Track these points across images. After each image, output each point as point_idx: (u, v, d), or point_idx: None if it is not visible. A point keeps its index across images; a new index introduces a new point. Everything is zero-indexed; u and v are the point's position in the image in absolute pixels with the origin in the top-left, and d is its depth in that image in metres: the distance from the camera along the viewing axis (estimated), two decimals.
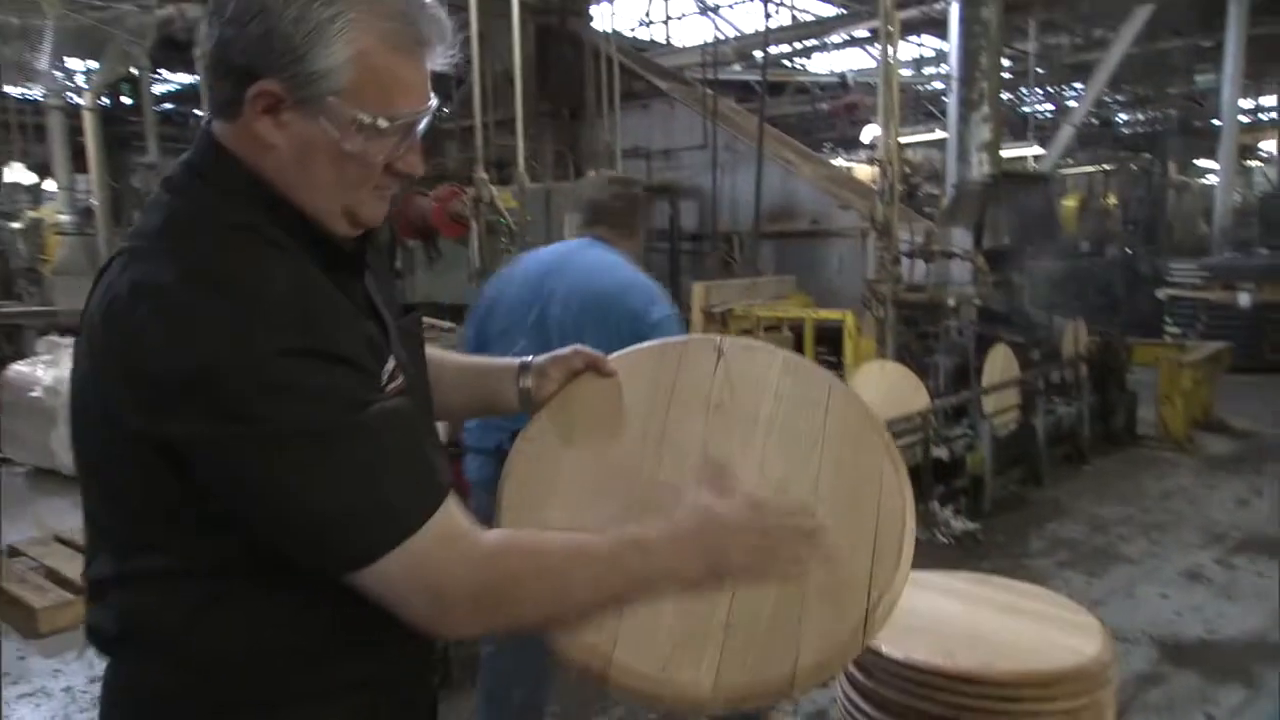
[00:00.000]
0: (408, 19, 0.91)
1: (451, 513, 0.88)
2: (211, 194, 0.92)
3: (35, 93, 12.17)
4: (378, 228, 1.10)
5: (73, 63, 10.20)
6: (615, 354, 1.21)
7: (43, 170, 12.71)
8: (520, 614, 0.90)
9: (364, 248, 1.03)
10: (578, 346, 1.21)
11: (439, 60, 0.95)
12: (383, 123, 0.90)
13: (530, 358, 1.24)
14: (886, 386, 4.78)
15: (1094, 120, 13.46)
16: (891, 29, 5.45)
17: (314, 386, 0.83)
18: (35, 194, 13.35)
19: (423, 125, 0.96)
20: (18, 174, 13.06)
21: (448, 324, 7.13)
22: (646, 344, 1.25)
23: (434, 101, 0.95)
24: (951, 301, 5.71)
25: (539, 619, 0.92)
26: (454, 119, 9.17)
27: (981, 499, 4.91)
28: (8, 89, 12.39)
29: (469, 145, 6.52)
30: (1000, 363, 5.38)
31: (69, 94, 9.52)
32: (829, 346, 6.94)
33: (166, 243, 0.88)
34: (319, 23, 0.87)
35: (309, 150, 0.90)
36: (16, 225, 12.03)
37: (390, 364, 0.95)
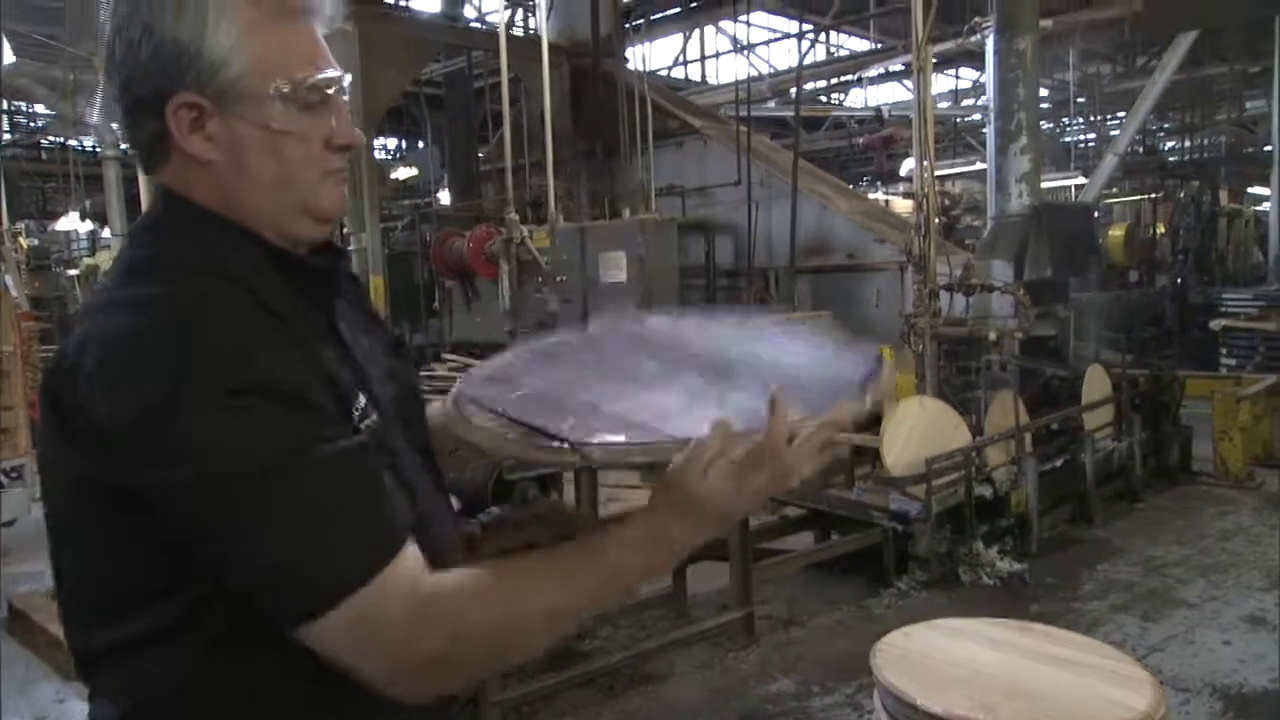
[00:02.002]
0: None
1: (406, 565, 0.82)
2: (165, 240, 0.91)
3: (91, 143, 12.66)
4: (346, 256, 1.08)
5: None
6: None
7: (99, 218, 13.19)
8: (482, 665, 0.88)
9: (337, 266, 1.00)
10: None
11: (327, 25, 0.93)
12: (297, 89, 0.88)
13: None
14: (925, 423, 4.68)
15: (1139, 148, 13.22)
16: (925, 63, 5.41)
17: (253, 428, 0.79)
18: (92, 241, 13.86)
19: (344, 91, 0.93)
20: (75, 222, 13.57)
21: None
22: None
23: (343, 71, 0.92)
24: (992, 335, 5.58)
25: (507, 662, 0.91)
26: (490, 160, 9.31)
27: (1028, 539, 4.74)
28: (67, 141, 12.92)
29: (503, 186, 6.60)
30: (1096, 384, 5.28)
31: (124, 145, 9.85)
32: None
33: (116, 293, 0.87)
34: (196, 11, 0.85)
35: (244, 149, 0.88)
36: (74, 272, 12.47)
37: (361, 401, 0.90)
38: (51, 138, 14.67)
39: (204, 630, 0.83)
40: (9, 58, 6.66)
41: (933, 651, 1.95)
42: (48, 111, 12.93)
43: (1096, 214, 7.44)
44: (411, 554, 0.83)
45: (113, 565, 0.85)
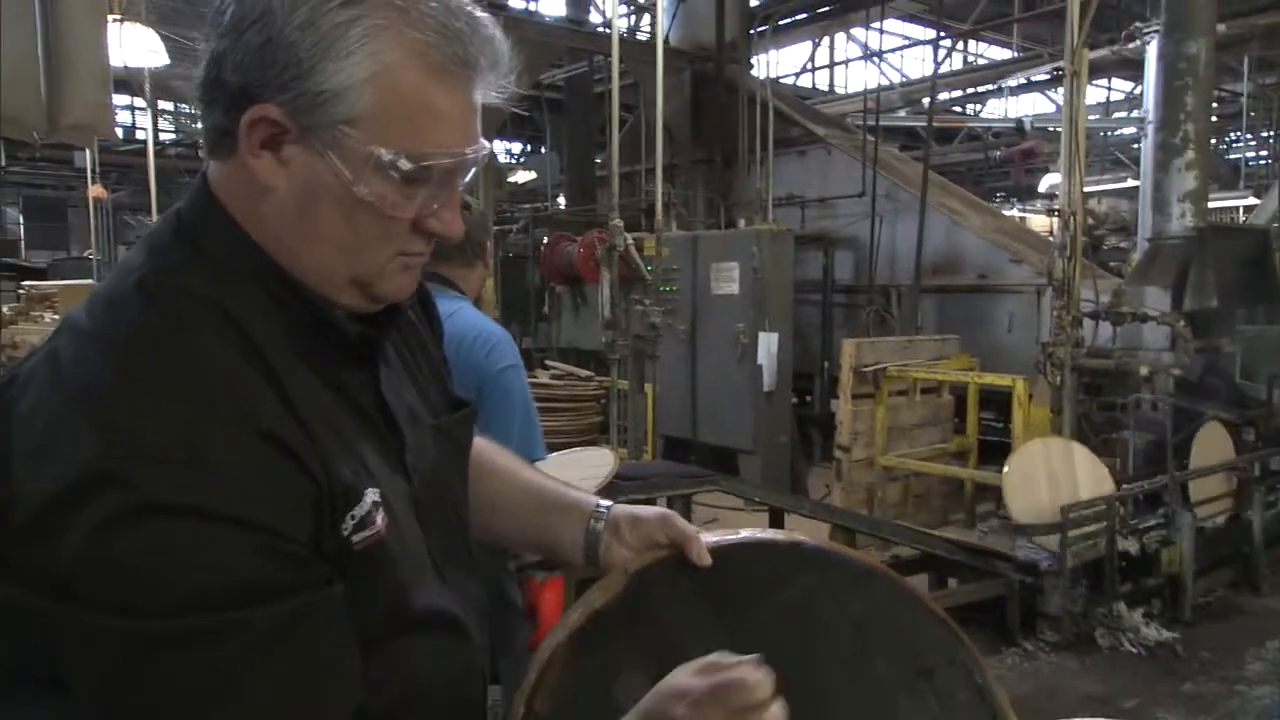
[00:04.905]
0: (449, 33, 0.70)
1: None
2: (172, 250, 0.74)
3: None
4: (413, 304, 0.88)
5: None
6: (711, 538, 0.92)
7: None
8: None
9: (384, 330, 0.81)
10: (666, 514, 0.94)
11: (489, 90, 0.74)
12: (405, 164, 0.69)
13: (608, 503, 0.98)
14: (1053, 467, 4.18)
15: None
16: (1080, 65, 4.91)
17: (179, 566, 0.61)
18: None
19: (468, 174, 0.74)
20: None
21: (586, 373, 7.06)
22: (747, 536, 0.95)
23: (483, 145, 0.73)
24: (1144, 370, 5.00)
25: None
26: (607, 165, 9.23)
27: (1181, 604, 4.18)
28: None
29: (624, 193, 6.46)
30: (1213, 444, 4.63)
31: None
32: (995, 412, 6.31)
33: (90, 319, 0.70)
34: (332, 29, 0.67)
35: (314, 195, 0.71)
36: None
37: (367, 501, 0.72)
38: None
39: None
40: (164, 59, 7.00)
41: None
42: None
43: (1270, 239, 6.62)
44: None
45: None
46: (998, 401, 5.98)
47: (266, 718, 0.63)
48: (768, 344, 6.16)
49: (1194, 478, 4.50)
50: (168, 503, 0.61)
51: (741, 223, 7.13)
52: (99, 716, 0.63)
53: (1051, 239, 5.53)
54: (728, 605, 0.87)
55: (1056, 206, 5.22)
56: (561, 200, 11.01)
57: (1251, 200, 10.95)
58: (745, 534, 0.95)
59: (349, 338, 0.78)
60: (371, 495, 0.73)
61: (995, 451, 5.91)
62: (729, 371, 6.44)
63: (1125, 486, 4.25)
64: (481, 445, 1.03)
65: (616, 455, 3.02)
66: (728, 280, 6.53)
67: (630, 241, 4.25)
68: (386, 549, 0.74)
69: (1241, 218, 10.66)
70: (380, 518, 0.74)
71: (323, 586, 0.68)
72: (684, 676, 0.74)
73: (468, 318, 1.95)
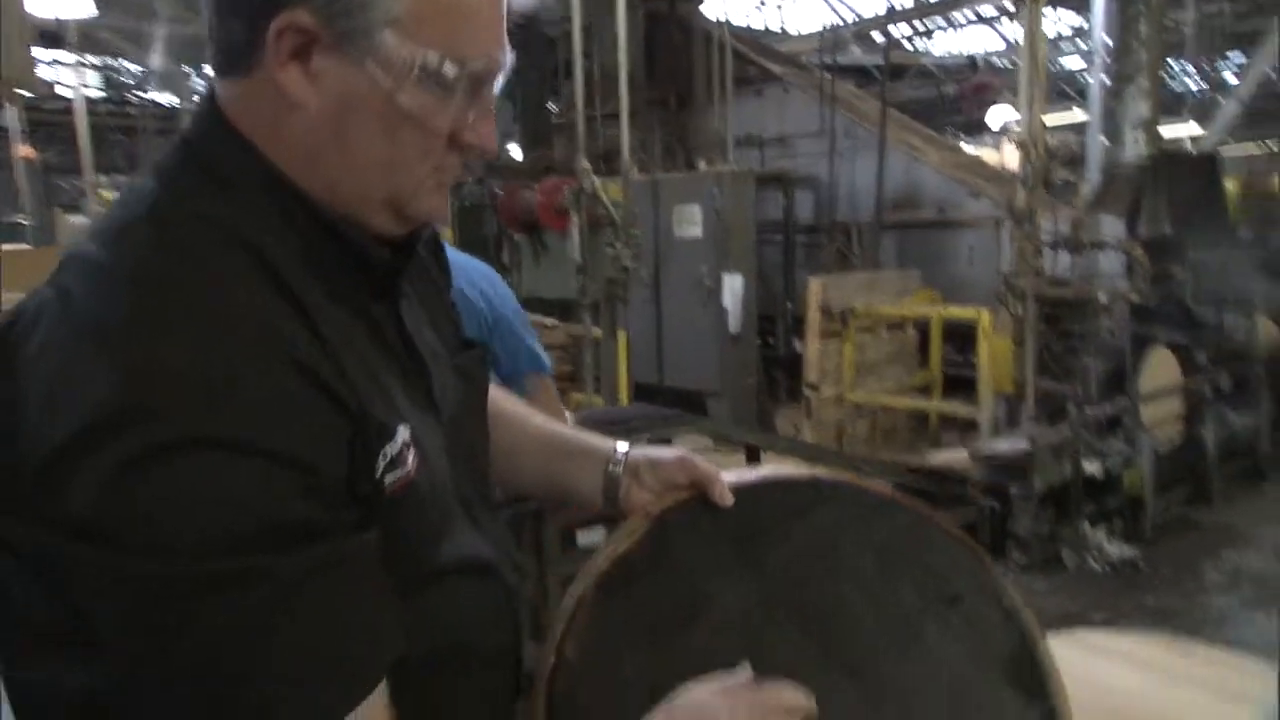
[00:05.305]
0: None
1: None
2: (182, 177, 0.68)
3: (169, 99, 12.84)
4: (432, 235, 0.84)
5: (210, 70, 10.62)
6: (731, 477, 0.91)
7: None
8: None
9: (405, 261, 0.76)
10: (685, 456, 0.91)
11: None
12: (450, 69, 0.65)
13: (625, 447, 0.95)
14: None
15: (1260, 94, 12.15)
16: None
17: (210, 504, 0.57)
18: None
19: (499, 83, 0.70)
20: None
21: (552, 320, 7.00)
22: (768, 474, 0.94)
23: (511, 55, 0.70)
24: (1103, 298, 5.10)
25: None
26: (562, 113, 9.03)
27: (1141, 522, 4.33)
28: (142, 95, 13.14)
29: (574, 137, 6.32)
30: (1161, 368, 4.75)
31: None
32: (957, 346, 6.40)
33: (100, 251, 0.65)
34: None
35: (351, 109, 0.66)
36: None
37: (399, 439, 0.68)
38: (140, 93, 14.97)
39: None
40: (90, 11, 6.65)
41: (1069, 671, 1.65)
42: (135, 66, 13.15)
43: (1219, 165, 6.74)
44: (378, 702, 0.63)
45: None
46: (959, 336, 6.06)
47: (302, 668, 0.60)
48: (732, 286, 6.15)
49: (1153, 400, 4.63)
50: (200, 435, 0.57)
51: (701, 165, 7.05)
52: (123, 664, 0.59)
53: (1011, 172, 5.57)
54: (751, 544, 0.87)
55: (1019, 137, 5.25)
56: (513, 149, 10.77)
57: (1195, 129, 11.14)
58: (765, 472, 0.94)
59: (375, 264, 0.73)
60: (403, 433, 0.69)
61: (958, 385, 6.03)
62: (694, 315, 6.43)
63: (1089, 411, 4.35)
64: (491, 391, 1.00)
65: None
66: (690, 223, 6.47)
67: (599, 184, 4.18)
68: (417, 490, 0.71)
69: (1188, 147, 10.83)
70: (411, 457, 0.70)
71: (359, 530, 0.64)
72: (715, 697, 0.73)
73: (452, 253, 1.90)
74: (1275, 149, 12.91)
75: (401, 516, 0.69)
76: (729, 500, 0.87)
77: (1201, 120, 11.14)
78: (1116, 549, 4.11)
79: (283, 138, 0.68)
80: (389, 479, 0.68)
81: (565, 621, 0.82)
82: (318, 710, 0.60)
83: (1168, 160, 6.12)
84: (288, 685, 0.59)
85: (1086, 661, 1.65)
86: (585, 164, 4.09)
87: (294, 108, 0.66)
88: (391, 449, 0.68)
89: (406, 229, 0.74)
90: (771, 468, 0.99)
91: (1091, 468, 4.21)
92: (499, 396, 1.03)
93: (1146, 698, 1.53)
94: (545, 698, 0.79)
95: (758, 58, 8.77)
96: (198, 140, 0.71)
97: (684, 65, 8.30)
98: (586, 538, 3.50)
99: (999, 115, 12.59)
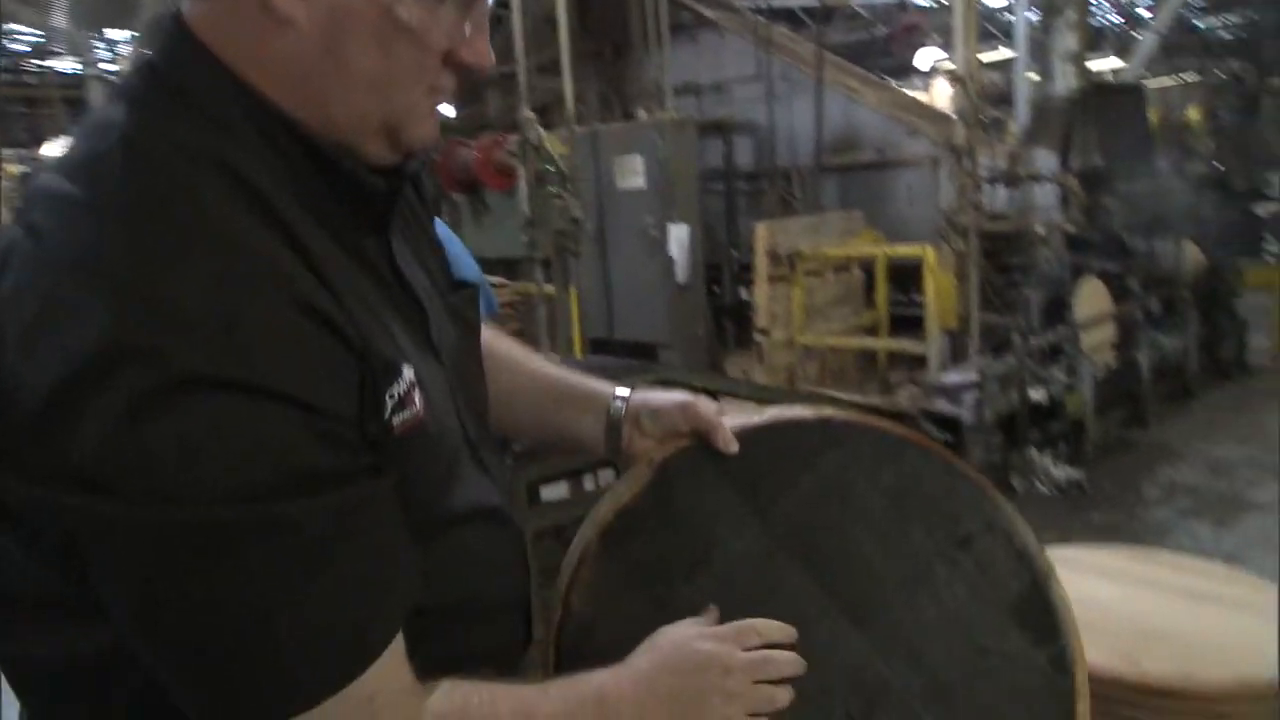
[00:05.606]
0: None
1: (389, 672, 0.60)
2: (156, 105, 0.62)
3: (74, 65, 12.14)
4: (420, 164, 0.80)
5: (113, 34, 10.07)
6: (735, 422, 0.89)
7: None
8: None
9: (397, 196, 0.72)
10: (686, 402, 0.89)
11: None
12: None
13: (626, 392, 0.93)
14: None
15: (1175, 27, 12.47)
16: None
17: (223, 449, 0.53)
18: None
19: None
20: (60, 148, 13.16)
21: (499, 280, 6.90)
22: (773, 417, 0.92)
23: None
24: (1041, 229, 5.23)
25: None
26: (495, 65, 8.79)
27: (1083, 444, 4.51)
28: (49, 62, 12.40)
29: (509, 92, 6.16)
30: (1092, 296, 4.92)
31: (104, 64, 9.40)
32: (900, 286, 6.51)
33: (72, 185, 0.59)
34: None
35: (344, 24, 0.62)
36: None
37: (405, 379, 0.65)
38: (38, 62, 14.13)
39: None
40: None
41: None
42: (32, 33, 12.38)
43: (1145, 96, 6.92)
44: (397, 651, 0.61)
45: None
46: (904, 274, 6.16)
47: (320, 625, 0.57)
48: (678, 236, 6.13)
49: (1089, 327, 4.79)
50: (204, 374, 0.53)
51: (641, 114, 6.96)
52: (137, 627, 0.56)
53: (945, 111, 5.63)
54: (756, 490, 0.85)
55: (953, 73, 5.29)
56: (444, 107, 10.50)
57: (1116, 63, 11.40)
58: (771, 415, 0.91)
59: (370, 194, 0.69)
60: (409, 373, 0.66)
61: (903, 324, 6.15)
62: (641, 267, 6.40)
63: (1032, 341, 4.49)
64: (485, 333, 0.97)
65: None
66: (632, 174, 6.41)
67: (544, 135, 4.09)
68: (425, 433, 0.68)
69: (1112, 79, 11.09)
70: (418, 398, 0.67)
71: (373, 475, 0.62)
72: (706, 642, 0.73)
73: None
74: (1188, 81, 13.29)
75: (411, 460, 0.66)
76: (733, 448, 0.86)
77: (1121, 54, 11.40)
78: (1062, 472, 4.28)
79: (266, 58, 0.63)
80: (397, 420, 0.65)
81: (571, 572, 0.82)
82: (341, 663, 0.58)
83: (1097, 92, 6.26)
84: (310, 639, 0.57)
85: (1061, 577, 1.72)
86: (529, 113, 3.99)
87: (280, 24, 0.62)
88: (399, 389, 0.65)
89: (399, 156, 0.70)
90: (779, 410, 0.96)
91: (1037, 395, 4.36)
92: (494, 338, 1.00)
93: (1120, 606, 1.60)
94: (554, 647, 0.79)
95: (692, 3, 8.64)
96: (166, 65, 0.65)
97: (618, 14, 8.14)
98: (550, 492, 3.50)
99: (927, 56, 12.69)
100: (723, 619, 0.76)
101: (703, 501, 0.84)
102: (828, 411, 0.92)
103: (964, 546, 0.86)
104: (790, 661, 0.74)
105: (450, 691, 0.64)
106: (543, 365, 1.03)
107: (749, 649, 0.73)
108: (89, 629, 0.59)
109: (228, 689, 0.57)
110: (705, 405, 0.90)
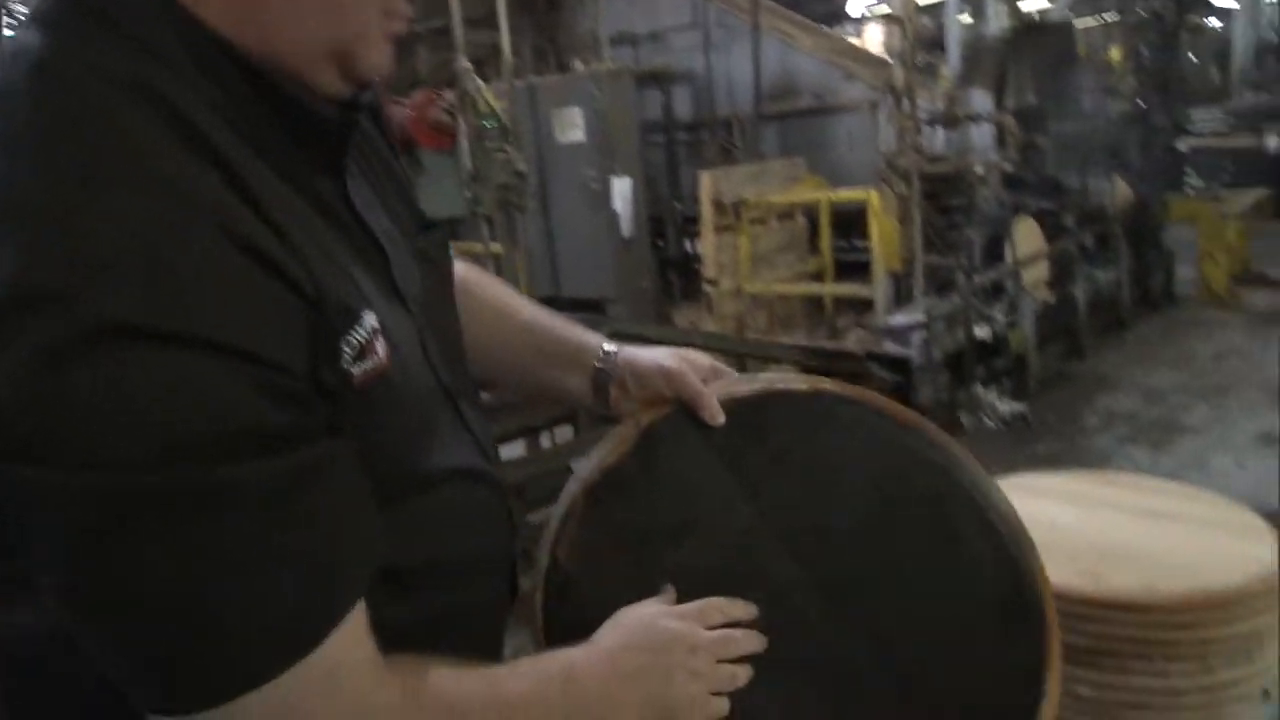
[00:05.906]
0: None
1: (350, 643, 0.56)
2: (90, 27, 0.56)
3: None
4: (375, 96, 0.74)
5: None
6: (725, 390, 0.86)
7: None
8: None
9: (351, 129, 0.67)
10: (670, 370, 0.86)
11: None
12: None
13: (613, 348, 0.91)
14: None
15: None
16: None
17: (151, 406, 0.48)
18: None
19: None
20: None
21: None
22: (763, 387, 0.89)
23: None
24: (979, 169, 5.31)
25: None
26: (421, 20, 8.51)
27: (1025, 379, 4.65)
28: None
29: (442, 48, 5.96)
30: (1027, 234, 5.03)
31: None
32: (842, 231, 6.56)
33: None
34: None
35: None
36: None
37: (366, 325, 0.60)
38: None
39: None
40: None
41: None
42: None
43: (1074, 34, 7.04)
44: (358, 619, 0.57)
45: None
46: (845, 221, 6.20)
47: (269, 597, 0.53)
48: (621, 189, 6.07)
49: (1027, 264, 4.91)
50: (127, 321, 0.47)
51: (577, 65, 6.82)
52: (64, 605, 0.52)
53: (881, 55, 5.64)
54: (742, 462, 0.83)
55: (890, 16, 5.29)
56: None
57: (1042, 3, 11.53)
58: (761, 384, 0.88)
59: (321, 126, 0.63)
60: (370, 319, 0.61)
61: (848, 269, 6.21)
62: (584, 222, 6.32)
63: (976, 279, 4.57)
64: (464, 275, 0.91)
65: None
66: (571, 127, 6.29)
67: (482, 85, 3.97)
68: (390, 384, 0.62)
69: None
70: (381, 346, 0.61)
71: (328, 434, 0.57)
72: (671, 620, 0.72)
73: None
74: (1109, 20, 13.53)
75: (375, 414, 0.61)
76: (719, 421, 0.83)
77: None
78: (1007, 406, 4.40)
79: None
80: (357, 371, 0.59)
81: (558, 524, 0.80)
82: (294, 636, 0.54)
83: (1028, 31, 6.33)
84: (258, 610, 0.53)
85: (1023, 502, 1.76)
86: (466, 64, 3.86)
87: None
88: (358, 336, 0.59)
89: (351, 87, 0.65)
90: (769, 377, 0.94)
91: (982, 333, 4.45)
92: (476, 279, 0.95)
93: (1081, 527, 1.65)
94: (541, 606, 0.77)
95: None
96: None
97: None
98: (508, 451, 3.47)
99: (859, 2, 12.71)
100: (701, 592, 0.75)
101: (687, 469, 0.82)
102: (824, 384, 0.89)
103: (945, 530, 0.83)
104: (752, 640, 0.74)
105: (417, 665, 0.61)
106: (527, 314, 0.97)
107: (712, 627, 0.72)
108: (18, 606, 0.55)
109: (168, 671, 0.52)
110: (690, 375, 0.86)
